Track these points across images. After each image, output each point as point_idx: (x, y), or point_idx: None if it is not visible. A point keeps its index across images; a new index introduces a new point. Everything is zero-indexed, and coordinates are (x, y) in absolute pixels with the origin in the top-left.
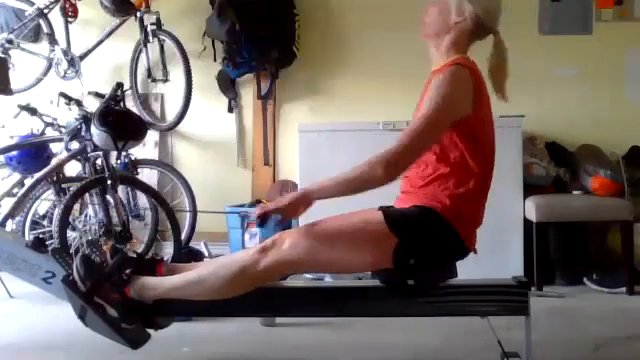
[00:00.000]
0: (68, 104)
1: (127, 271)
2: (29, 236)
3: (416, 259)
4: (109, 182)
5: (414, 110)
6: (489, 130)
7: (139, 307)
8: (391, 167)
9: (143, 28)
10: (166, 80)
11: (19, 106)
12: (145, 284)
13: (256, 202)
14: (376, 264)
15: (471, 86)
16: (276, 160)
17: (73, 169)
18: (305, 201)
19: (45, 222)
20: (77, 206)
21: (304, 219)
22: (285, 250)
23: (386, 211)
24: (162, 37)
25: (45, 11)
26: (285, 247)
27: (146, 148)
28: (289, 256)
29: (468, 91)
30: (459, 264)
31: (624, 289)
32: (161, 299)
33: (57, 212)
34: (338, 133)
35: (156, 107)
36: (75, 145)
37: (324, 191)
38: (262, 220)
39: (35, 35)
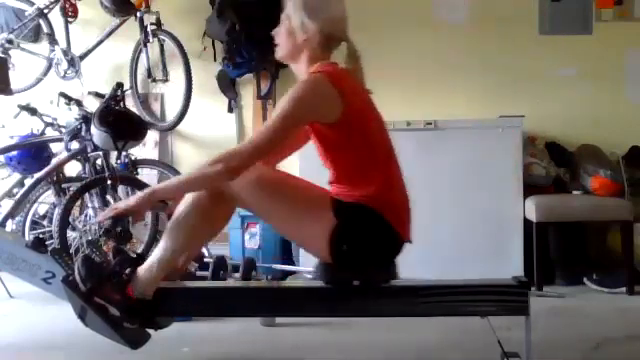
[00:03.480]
0: (68, 104)
1: (127, 270)
2: (29, 236)
3: (349, 247)
4: (109, 182)
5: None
6: (372, 121)
7: (141, 305)
8: (233, 171)
9: (143, 28)
10: (166, 80)
11: (19, 106)
12: (141, 275)
13: None
14: (313, 238)
15: (331, 88)
16: None
17: (73, 169)
18: (150, 201)
19: (45, 222)
20: (77, 206)
21: None
22: (236, 185)
23: (333, 195)
24: (162, 37)
25: (45, 11)
26: (237, 183)
27: (146, 148)
28: (236, 190)
29: (327, 94)
30: (459, 264)
31: (624, 289)
32: (162, 298)
33: (57, 212)
34: None
35: (156, 107)
36: (75, 145)
37: (169, 190)
38: (114, 222)
39: (35, 35)
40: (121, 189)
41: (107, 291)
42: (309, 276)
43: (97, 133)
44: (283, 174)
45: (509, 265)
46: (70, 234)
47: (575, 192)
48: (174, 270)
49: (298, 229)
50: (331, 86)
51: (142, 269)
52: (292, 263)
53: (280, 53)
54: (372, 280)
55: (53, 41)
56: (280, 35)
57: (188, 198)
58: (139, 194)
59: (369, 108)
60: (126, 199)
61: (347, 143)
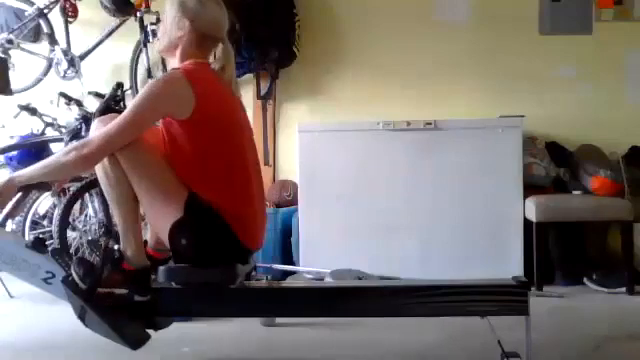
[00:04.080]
0: (68, 104)
1: (116, 252)
2: (29, 236)
3: (187, 243)
4: None
5: None
6: (228, 126)
7: (142, 274)
8: (85, 160)
9: (143, 28)
10: None
11: (19, 106)
12: (124, 249)
13: None
14: (159, 221)
15: (186, 86)
16: (276, 160)
17: None
18: (10, 187)
19: (45, 222)
20: (77, 206)
21: None
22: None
23: (192, 189)
24: (157, 37)
25: (45, 11)
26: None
27: None
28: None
29: (181, 91)
30: (459, 264)
31: (624, 289)
32: (162, 298)
33: (57, 212)
34: (338, 133)
35: None
36: None
37: (28, 175)
38: None
39: (35, 35)
40: None
41: (106, 278)
42: (309, 276)
43: None
44: (160, 150)
45: (509, 265)
46: (70, 234)
47: (575, 192)
48: (159, 238)
49: (150, 207)
50: (186, 84)
51: (123, 245)
52: (292, 263)
53: (158, 47)
54: (210, 282)
55: (53, 41)
56: (159, 31)
57: (98, 169)
58: None
59: (228, 112)
60: None
61: (192, 142)
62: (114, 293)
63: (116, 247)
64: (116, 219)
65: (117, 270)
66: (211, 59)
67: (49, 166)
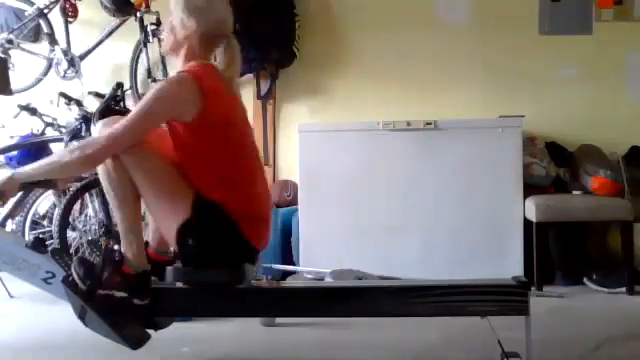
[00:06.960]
0: (68, 104)
1: (117, 255)
2: (29, 236)
3: (194, 243)
4: None
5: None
6: (234, 127)
7: (142, 278)
8: (89, 159)
9: (143, 28)
10: None
11: (19, 106)
12: (126, 251)
13: None
14: (166, 222)
15: (195, 89)
16: (276, 160)
17: None
18: (11, 184)
19: (45, 222)
20: (77, 206)
21: None
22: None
23: (201, 190)
24: (162, 37)
25: (45, 11)
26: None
27: None
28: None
29: (189, 94)
30: (459, 264)
31: (624, 289)
32: (162, 298)
33: (57, 212)
34: (338, 133)
35: None
36: None
37: (30, 173)
38: None
39: (35, 35)
40: None
41: (106, 280)
42: (309, 276)
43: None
44: (166, 151)
45: (509, 265)
46: (70, 234)
47: (575, 192)
48: (160, 240)
49: (156, 208)
50: (195, 88)
51: (124, 247)
52: (292, 263)
53: (163, 48)
54: (218, 282)
55: (53, 41)
56: (164, 30)
57: (100, 170)
58: None
59: (232, 113)
60: None
61: (197, 144)
62: (114, 295)
63: (116, 247)
64: (117, 221)
65: (117, 272)
66: (214, 57)
67: (51, 164)
